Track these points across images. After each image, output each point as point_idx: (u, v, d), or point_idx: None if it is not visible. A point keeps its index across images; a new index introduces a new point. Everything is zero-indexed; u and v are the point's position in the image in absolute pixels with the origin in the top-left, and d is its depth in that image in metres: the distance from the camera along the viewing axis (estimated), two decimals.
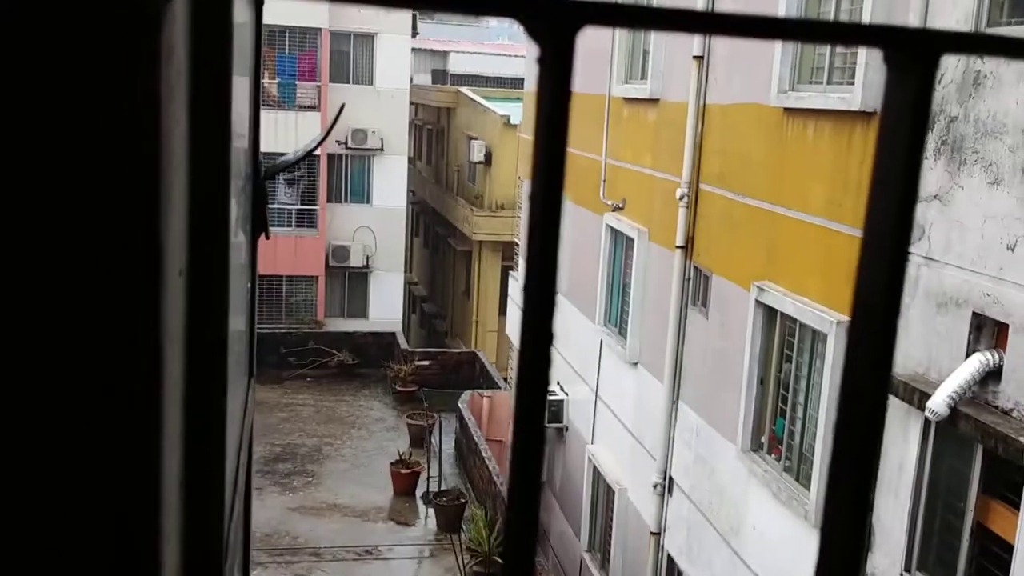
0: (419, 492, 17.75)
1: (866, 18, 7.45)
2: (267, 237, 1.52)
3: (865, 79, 7.44)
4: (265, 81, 24.99)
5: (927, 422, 6.46)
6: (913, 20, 6.88)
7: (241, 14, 1.19)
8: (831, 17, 8.25)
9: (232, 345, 1.08)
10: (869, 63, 7.41)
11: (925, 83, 0.41)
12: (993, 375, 5.99)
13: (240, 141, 1.26)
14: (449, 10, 0.41)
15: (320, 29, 25.07)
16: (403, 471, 17.75)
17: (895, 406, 6.88)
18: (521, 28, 0.42)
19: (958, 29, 5.96)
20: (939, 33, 0.41)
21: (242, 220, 1.21)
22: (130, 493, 0.51)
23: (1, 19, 0.44)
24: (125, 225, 0.44)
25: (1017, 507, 5.84)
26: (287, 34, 24.97)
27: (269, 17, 24.06)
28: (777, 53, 8.76)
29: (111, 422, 0.47)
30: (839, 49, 8.23)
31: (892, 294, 0.40)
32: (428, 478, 17.61)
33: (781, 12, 8.69)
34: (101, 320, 0.45)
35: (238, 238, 1.22)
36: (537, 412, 0.44)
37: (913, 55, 0.41)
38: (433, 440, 18.31)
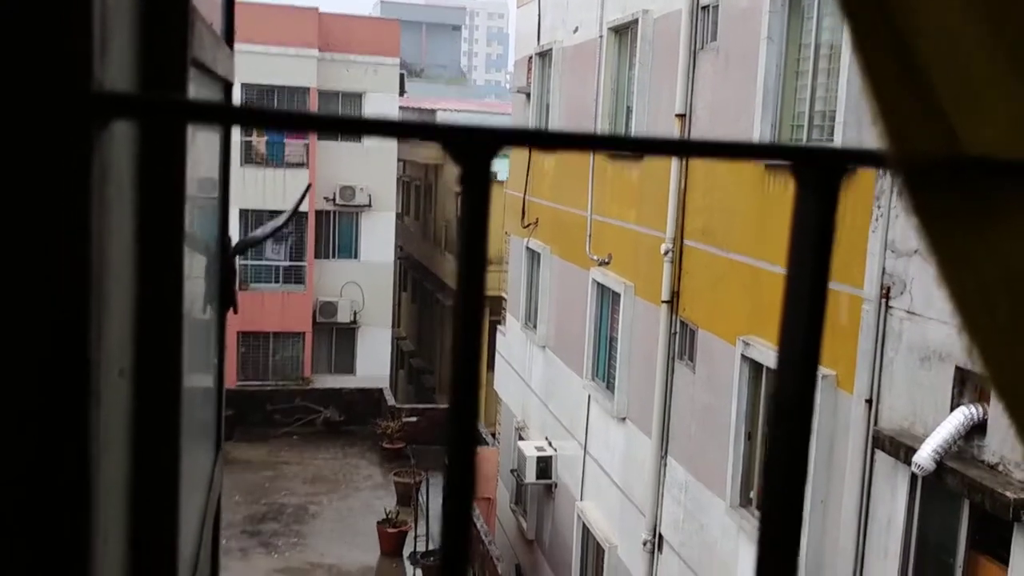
0: (407, 551, 17.50)
1: (841, 95, 7.54)
2: (235, 312, 1.53)
3: (844, 136, 7.55)
4: (254, 139, 25.17)
5: (914, 477, 6.44)
6: None
7: (210, 95, 1.20)
8: (808, 89, 8.36)
9: (195, 420, 1.08)
10: (847, 121, 7.53)
11: (830, 197, 0.42)
12: (978, 429, 5.99)
13: (207, 222, 1.27)
14: (379, 135, 0.43)
15: (309, 88, 25.33)
16: (390, 530, 17.52)
17: (882, 461, 6.86)
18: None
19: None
20: (843, 151, 0.42)
21: (210, 297, 1.22)
22: None
23: None
24: (52, 330, 0.45)
25: (1006, 563, 5.80)
26: (276, 92, 25.21)
27: (259, 76, 24.31)
28: (758, 109, 8.89)
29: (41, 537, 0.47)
30: (818, 107, 8.36)
31: (804, 408, 0.41)
32: (416, 537, 17.38)
33: (759, 98, 8.85)
34: (30, 433, 0.45)
35: (206, 314, 1.22)
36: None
37: (819, 171, 0.42)
38: (421, 498, 18.11)
